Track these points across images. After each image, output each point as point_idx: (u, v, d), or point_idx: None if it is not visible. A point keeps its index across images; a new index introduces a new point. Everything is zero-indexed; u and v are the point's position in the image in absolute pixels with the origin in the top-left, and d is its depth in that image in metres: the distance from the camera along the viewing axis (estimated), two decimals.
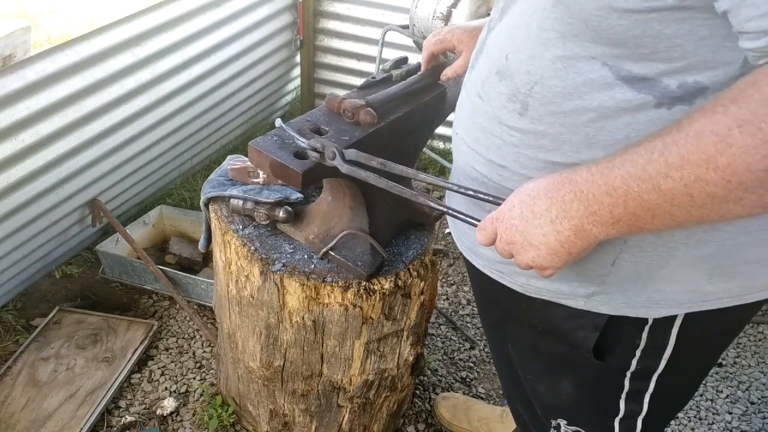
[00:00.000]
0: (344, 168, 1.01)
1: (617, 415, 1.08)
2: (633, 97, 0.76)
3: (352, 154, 1.01)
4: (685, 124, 0.65)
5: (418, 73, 1.33)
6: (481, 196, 0.90)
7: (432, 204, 0.97)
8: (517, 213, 0.81)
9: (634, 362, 1.00)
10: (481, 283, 1.13)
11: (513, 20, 0.87)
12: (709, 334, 1.00)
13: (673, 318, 0.94)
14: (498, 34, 0.91)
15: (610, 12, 0.72)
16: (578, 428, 1.15)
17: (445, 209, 0.95)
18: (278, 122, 1.14)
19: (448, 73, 1.28)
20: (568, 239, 0.77)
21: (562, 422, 1.17)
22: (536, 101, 0.84)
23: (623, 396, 1.05)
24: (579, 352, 1.01)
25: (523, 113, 0.86)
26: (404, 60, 1.37)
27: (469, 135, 0.98)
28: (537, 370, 1.15)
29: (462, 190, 0.93)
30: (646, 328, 0.95)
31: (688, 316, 0.93)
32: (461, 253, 1.13)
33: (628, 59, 0.75)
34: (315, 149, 1.03)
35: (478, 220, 0.89)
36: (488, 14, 2.07)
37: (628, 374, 1.02)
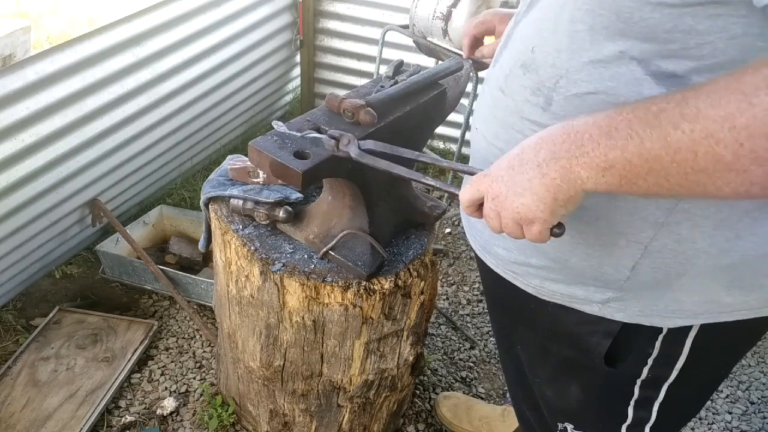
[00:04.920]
0: (359, 155, 1.02)
1: (625, 422, 1.07)
2: (660, 94, 0.72)
3: (369, 144, 1.03)
4: (710, 82, 0.62)
5: (422, 72, 1.32)
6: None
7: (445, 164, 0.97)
8: (505, 164, 0.78)
9: (645, 370, 0.98)
10: (493, 283, 1.11)
11: (541, 13, 0.85)
12: (723, 346, 0.98)
13: (688, 328, 0.92)
14: (524, 27, 0.90)
15: (643, 5, 0.71)
16: None
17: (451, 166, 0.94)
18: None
19: (483, 51, 1.26)
20: (554, 182, 0.73)
21: (569, 426, 1.16)
22: (560, 96, 0.82)
23: (632, 403, 1.04)
24: (589, 357, 1.00)
25: (547, 108, 0.84)
26: (401, 63, 1.37)
27: (488, 130, 0.96)
28: (545, 373, 1.14)
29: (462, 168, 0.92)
30: (660, 338, 0.94)
31: (703, 328, 0.91)
32: (474, 252, 1.12)
33: (658, 55, 0.73)
34: (333, 137, 1.05)
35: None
36: None
37: (639, 382, 1.00)
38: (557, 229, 0.78)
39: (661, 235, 0.83)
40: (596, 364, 1.00)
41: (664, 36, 0.71)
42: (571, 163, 0.71)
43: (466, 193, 0.83)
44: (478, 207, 0.84)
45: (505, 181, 0.77)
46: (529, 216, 0.76)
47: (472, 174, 0.87)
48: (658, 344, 0.95)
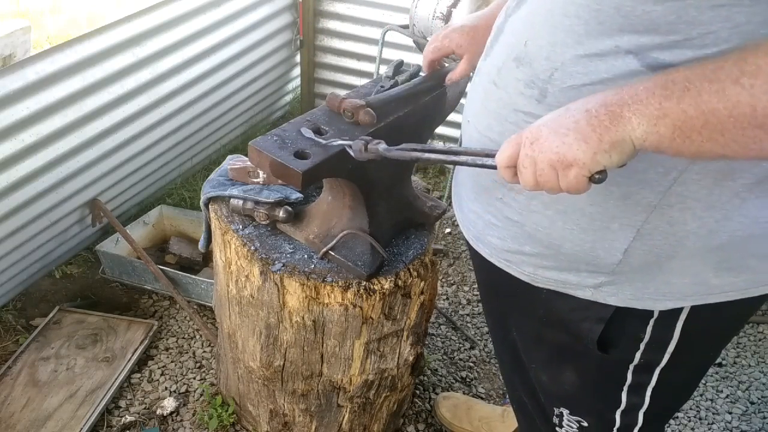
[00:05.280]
0: (386, 150, 1.01)
1: (619, 407, 1.08)
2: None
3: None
4: (764, 44, 0.63)
5: (421, 76, 1.33)
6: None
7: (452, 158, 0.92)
8: (549, 115, 0.76)
9: (637, 355, 1.00)
10: (487, 272, 1.13)
11: (533, 7, 0.86)
12: (713, 328, 1.00)
13: (678, 312, 0.94)
14: (516, 21, 0.90)
15: None
16: (580, 418, 1.16)
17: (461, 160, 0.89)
18: (305, 131, 1.14)
19: (452, 77, 1.27)
20: (602, 123, 0.69)
21: (565, 411, 1.17)
22: (556, 88, 0.83)
23: (625, 388, 1.05)
24: (582, 343, 1.01)
25: (542, 100, 0.85)
26: (401, 63, 1.37)
27: (481, 122, 0.97)
28: (540, 359, 1.16)
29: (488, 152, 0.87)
30: (651, 322, 0.95)
31: (692, 310, 0.93)
32: (467, 243, 1.13)
33: (657, 47, 0.73)
34: (364, 141, 1.04)
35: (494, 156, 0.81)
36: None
37: (631, 367, 1.02)
38: (598, 175, 0.72)
39: (653, 218, 0.84)
40: (589, 350, 1.01)
41: (666, 28, 0.71)
42: (623, 109, 0.69)
43: (505, 150, 0.79)
44: (516, 171, 0.79)
45: (548, 125, 0.74)
46: (569, 157, 0.71)
47: (492, 156, 0.83)
48: (649, 329, 0.96)
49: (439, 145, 3.27)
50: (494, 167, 0.82)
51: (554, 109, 0.81)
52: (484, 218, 1.03)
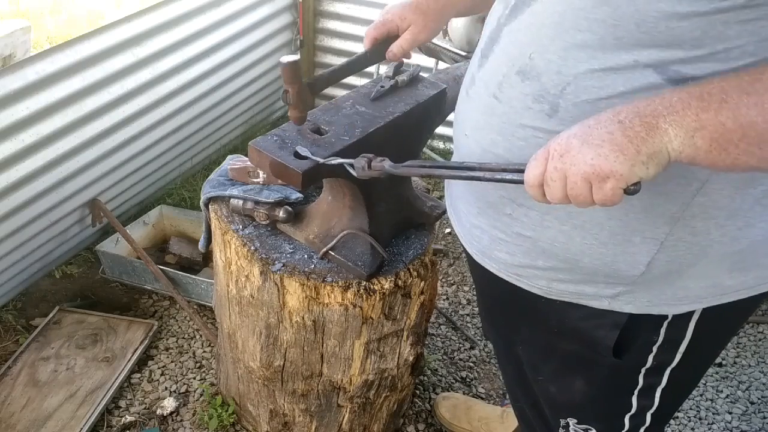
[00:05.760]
0: (393, 167, 0.97)
1: (629, 412, 1.08)
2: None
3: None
4: None
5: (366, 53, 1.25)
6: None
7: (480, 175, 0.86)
8: (577, 127, 0.72)
9: (650, 358, 0.99)
10: (492, 286, 1.10)
11: (535, 18, 0.83)
12: (721, 325, 1.00)
13: (691, 313, 0.93)
14: (516, 32, 0.87)
15: (670, 15, 0.69)
16: (588, 426, 1.15)
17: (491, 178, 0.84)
18: (302, 150, 1.11)
19: (392, 49, 1.18)
20: (638, 134, 0.67)
21: (572, 421, 1.16)
22: (568, 102, 0.80)
23: (636, 392, 1.05)
24: (596, 351, 1.00)
25: (553, 114, 0.82)
26: (401, 63, 1.37)
27: (483, 137, 0.94)
28: (550, 370, 1.14)
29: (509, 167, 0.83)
30: (665, 324, 0.95)
31: (704, 309, 0.93)
32: (472, 258, 1.10)
33: (680, 62, 0.72)
34: (367, 158, 1.00)
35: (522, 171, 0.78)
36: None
37: (643, 371, 1.01)
38: (633, 186, 0.70)
39: (676, 230, 0.83)
40: (602, 357, 1.00)
41: (691, 43, 0.70)
42: (658, 120, 0.67)
43: (534, 168, 0.75)
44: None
45: (579, 136, 0.71)
46: (605, 169, 0.68)
47: (521, 171, 0.79)
48: (662, 331, 0.96)
49: (439, 146, 3.27)
50: (516, 182, 0.79)
51: (568, 123, 0.78)
52: (490, 233, 1.00)
